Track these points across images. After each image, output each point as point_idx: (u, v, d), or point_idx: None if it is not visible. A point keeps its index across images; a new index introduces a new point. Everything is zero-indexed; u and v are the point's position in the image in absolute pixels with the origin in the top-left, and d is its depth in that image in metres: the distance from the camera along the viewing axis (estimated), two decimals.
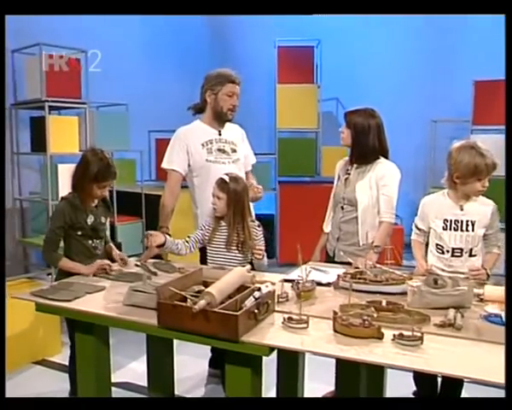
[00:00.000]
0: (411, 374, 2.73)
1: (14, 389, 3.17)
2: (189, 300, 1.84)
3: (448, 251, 2.51)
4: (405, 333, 1.67)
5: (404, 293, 2.10)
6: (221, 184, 2.58)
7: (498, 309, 1.95)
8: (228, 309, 1.78)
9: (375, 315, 1.77)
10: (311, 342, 1.72)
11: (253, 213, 3.17)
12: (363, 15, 5.87)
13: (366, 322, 1.72)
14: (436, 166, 6.62)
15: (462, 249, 2.49)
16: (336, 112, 7.50)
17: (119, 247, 4.80)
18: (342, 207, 2.86)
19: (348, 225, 2.83)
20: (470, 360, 1.58)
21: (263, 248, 2.60)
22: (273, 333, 1.79)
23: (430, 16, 5.84)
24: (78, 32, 4.75)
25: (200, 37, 6.73)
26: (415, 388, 2.79)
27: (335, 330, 1.76)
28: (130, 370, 3.38)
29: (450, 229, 2.50)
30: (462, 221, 2.49)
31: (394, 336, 1.68)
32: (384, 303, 1.93)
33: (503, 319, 1.86)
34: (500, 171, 2.86)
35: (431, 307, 1.97)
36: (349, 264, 2.52)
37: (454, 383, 2.57)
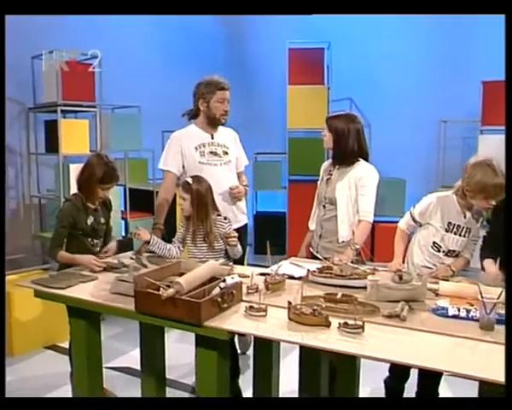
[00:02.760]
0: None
1: (24, 371, 3.49)
2: (161, 288, 2.05)
3: (444, 251, 2.69)
4: (349, 322, 1.85)
5: (365, 287, 2.27)
6: (185, 186, 2.82)
7: (448, 303, 2.10)
8: (195, 297, 1.99)
9: (324, 305, 1.95)
10: (265, 327, 1.92)
11: (245, 210, 3.38)
12: (374, 17, 5.99)
13: (316, 311, 1.91)
14: (446, 166, 6.69)
15: (455, 251, 2.69)
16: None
17: (130, 241, 5.07)
18: (324, 206, 3.03)
19: (329, 223, 2.99)
20: (404, 347, 1.75)
21: (235, 235, 2.80)
22: (234, 320, 1.99)
23: (440, 17, 5.92)
24: (93, 35, 5.03)
25: (214, 39, 6.96)
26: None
27: (290, 318, 1.95)
28: (131, 356, 3.64)
29: (451, 232, 2.67)
30: (463, 228, 2.66)
31: (340, 324, 1.86)
32: (339, 295, 2.10)
33: (449, 311, 2.02)
34: None
35: (387, 300, 2.14)
36: (321, 260, 2.70)
37: (431, 376, 2.72)
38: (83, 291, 2.38)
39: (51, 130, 4.33)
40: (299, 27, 6.66)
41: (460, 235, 2.67)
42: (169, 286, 2.05)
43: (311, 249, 2.98)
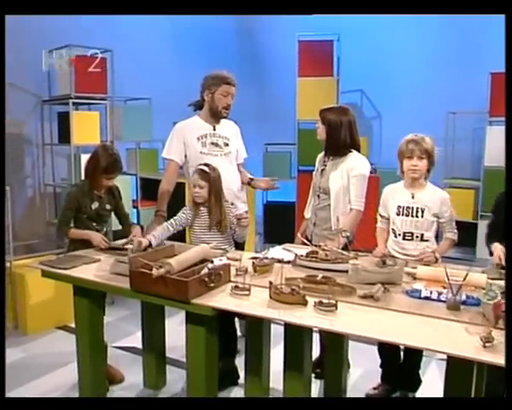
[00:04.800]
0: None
1: (36, 349, 3.72)
2: (154, 269, 2.22)
3: (400, 235, 2.78)
4: (324, 301, 1.99)
5: (348, 270, 2.40)
6: (202, 173, 2.94)
7: (423, 286, 2.21)
8: (185, 277, 2.15)
9: (302, 286, 2.09)
10: (246, 305, 2.07)
11: (245, 199, 3.53)
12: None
13: (294, 291, 2.05)
14: (455, 158, 6.73)
15: (412, 234, 2.76)
16: (361, 103, 7.71)
17: (141, 229, 5.29)
18: (318, 196, 3.16)
19: (322, 212, 3.12)
20: (372, 324, 1.89)
21: (247, 216, 2.99)
22: (219, 298, 2.15)
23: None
24: (107, 30, 5.19)
25: (225, 32, 7.08)
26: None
27: (270, 297, 2.10)
28: (137, 337, 3.80)
29: (402, 215, 2.78)
30: (412, 208, 2.76)
31: (315, 303, 2.00)
32: (319, 277, 2.24)
33: (422, 293, 2.14)
34: None
35: (365, 283, 2.27)
36: (308, 245, 2.84)
37: (413, 353, 2.84)
38: (85, 271, 2.57)
39: (63, 121, 4.54)
40: (308, 20, 6.73)
41: (412, 216, 2.76)
42: (161, 267, 2.21)
43: (299, 235, 3.11)
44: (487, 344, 1.64)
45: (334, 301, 1.96)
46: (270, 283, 2.12)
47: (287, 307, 2.02)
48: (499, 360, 1.55)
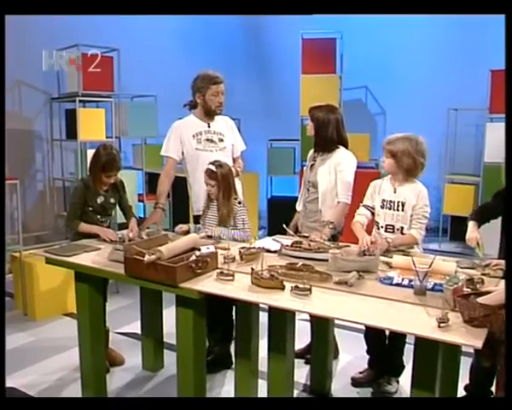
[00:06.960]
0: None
1: (43, 334, 3.94)
2: (146, 255, 2.40)
3: (382, 227, 2.91)
4: (300, 286, 2.15)
5: (327, 259, 2.55)
6: (210, 174, 3.11)
7: (396, 274, 2.36)
8: (174, 263, 2.33)
9: (280, 271, 2.26)
10: (229, 289, 2.24)
11: (240, 192, 3.67)
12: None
13: (273, 277, 2.22)
14: (456, 153, 6.82)
15: (393, 226, 2.88)
16: (365, 99, 7.83)
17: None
18: (308, 189, 3.32)
19: (311, 205, 3.28)
20: (342, 307, 2.04)
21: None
22: (205, 283, 2.32)
23: None
24: (114, 26, 5.37)
25: (232, 29, 7.23)
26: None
27: (252, 283, 2.27)
28: (139, 324, 3.99)
29: (385, 208, 2.91)
30: (394, 202, 2.89)
31: (291, 287, 2.16)
32: (299, 264, 2.40)
33: (393, 280, 2.29)
34: None
35: (343, 271, 2.42)
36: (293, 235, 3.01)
37: (398, 337, 2.98)
38: (85, 259, 2.76)
39: (71, 118, 4.76)
40: (313, 17, 6.84)
41: (394, 209, 2.88)
42: (153, 254, 2.39)
43: (285, 226, 3.26)
44: (442, 324, 1.79)
45: (308, 286, 2.12)
46: (252, 269, 2.28)
47: (266, 291, 2.19)
48: (449, 338, 1.71)
